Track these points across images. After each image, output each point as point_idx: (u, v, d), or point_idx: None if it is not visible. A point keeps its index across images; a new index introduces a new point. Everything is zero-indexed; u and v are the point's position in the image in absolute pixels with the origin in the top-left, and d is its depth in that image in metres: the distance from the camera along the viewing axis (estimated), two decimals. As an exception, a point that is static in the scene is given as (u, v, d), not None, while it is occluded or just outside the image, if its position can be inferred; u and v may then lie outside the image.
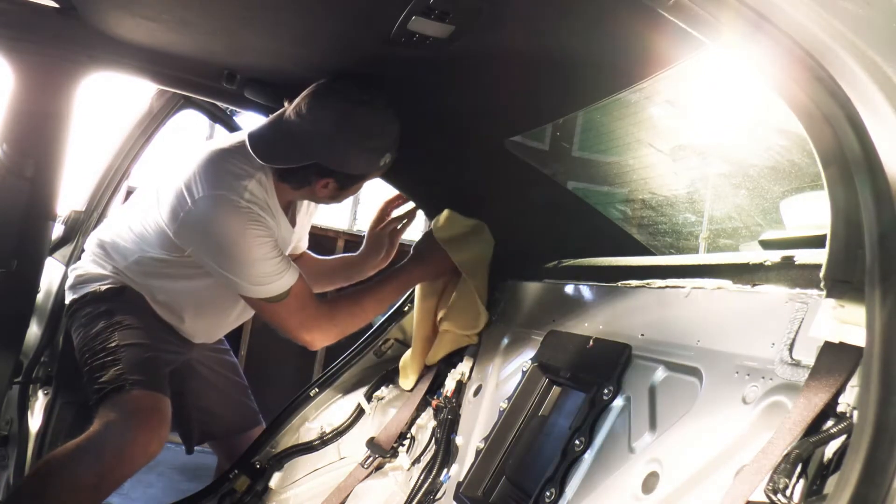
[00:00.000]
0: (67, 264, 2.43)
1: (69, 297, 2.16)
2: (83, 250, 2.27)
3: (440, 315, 2.19)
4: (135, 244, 2.07)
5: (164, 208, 1.95)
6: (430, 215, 2.50)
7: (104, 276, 2.12)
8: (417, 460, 2.02)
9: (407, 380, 2.25)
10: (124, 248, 2.10)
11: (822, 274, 0.95)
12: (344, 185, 1.97)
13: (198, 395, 2.38)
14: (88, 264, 2.18)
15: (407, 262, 2.19)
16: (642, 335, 1.46)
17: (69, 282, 2.20)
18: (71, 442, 1.89)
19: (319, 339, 2.04)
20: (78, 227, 2.56)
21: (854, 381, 0.95)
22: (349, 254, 2.54)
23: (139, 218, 2.07)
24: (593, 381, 1.49)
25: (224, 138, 2.11)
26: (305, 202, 2.21)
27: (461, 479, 1.72)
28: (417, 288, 2.26)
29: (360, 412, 2.35)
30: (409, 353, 2.28)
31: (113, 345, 1.99)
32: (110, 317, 2.05)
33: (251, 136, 1.89)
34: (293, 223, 2.14)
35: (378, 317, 2.44)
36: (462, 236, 2.19)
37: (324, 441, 2.32)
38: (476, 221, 2.22)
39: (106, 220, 2.42)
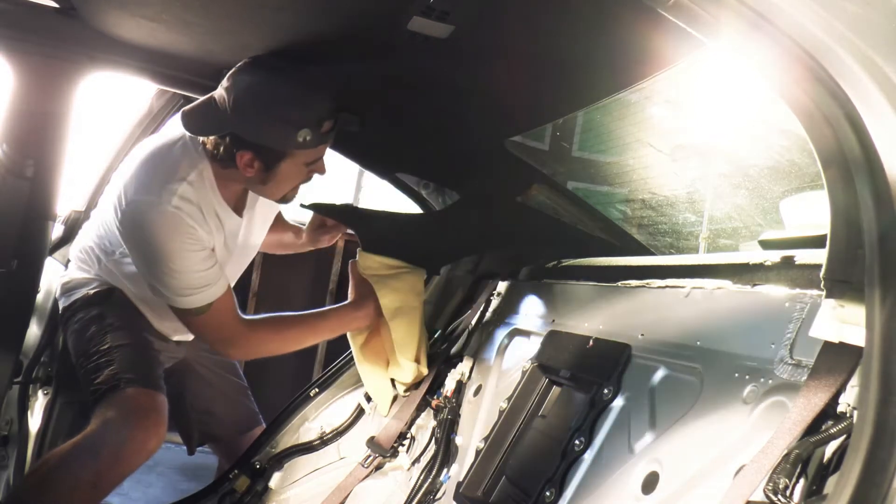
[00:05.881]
0: (67, 264, 2.43)
1: (61, 305, 2.17)
2: (69, 259, 2.27)
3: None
4: (102, 247, 2.08)
5: (110, 209, 1.95)
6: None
7: (91, 280, 2.13)
8: (417, 460, 2.02)
9: (384, 408, 2.22)
10: (97, 251, 2.10)
11: (822, 274, 0.95)
12: (267, 163, 1.86)
13: (196, 395, 2.38)
14: (75, 271, 2.18)
15: (344, 307, 2.17)
16: (642, 335, 1.46)
17: (59, 290, 2.20)
18: (69, 441, 1.89)
19: (234, 355, 2.07)
20: (78, 227, 2.56)
21: (854, 381, 0.95)
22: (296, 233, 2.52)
23: (102, 219, 2.07)
24: (593, 381, 1.49)
25: (169, 131, 2.07)
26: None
27: (461, 479, 1.72)
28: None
29: (360, 412, 2.35)
30: (373, 384, 2.23)
31: (106, 346, 2.00)
32: (101, 320, 2.05)
33: (183, 109, 1.86)
34: (240, 214, 2.07)
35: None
36: (391, 278, 2.15)
37: (324, 441, 2.32)
38: (407, 266, 2.18)
39: (85, 224, 2.41)
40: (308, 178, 1.99)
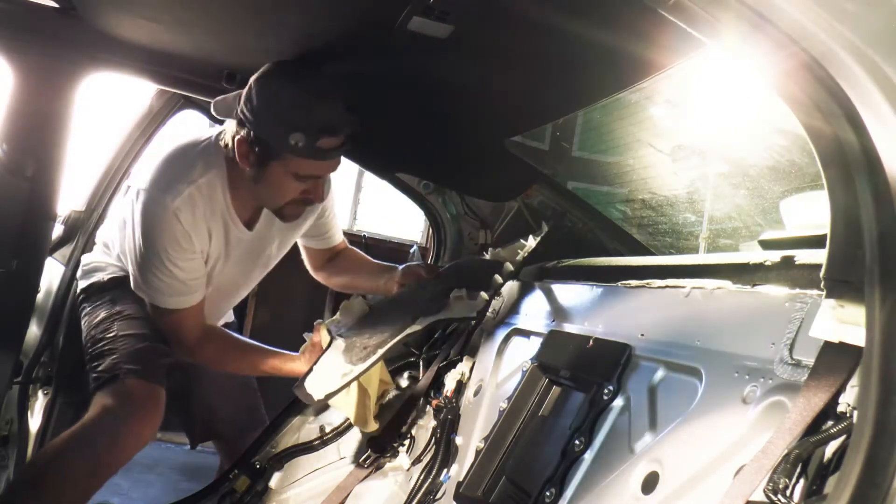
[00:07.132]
0: (67, 264, 2.44)
1: (78, 288, 2.22)
2: (95, 243, 2.33)
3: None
4: (122, 233, 2.10)
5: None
6: (429, 215, 2.52)
7: (109, 265, 2.17)
8: (417, 460, 2.02)
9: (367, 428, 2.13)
10: (118, 238, 2.12)
11: (822, 274, 0.95)
12: (260, 157, 1.90)
13: (203, 391, 2.39)
14: (98, 254, 2.24)
15: (292, 359, 2.13)
16: (642, 335, 1.46)
17: (79, 272, 2.25)
18: (66, 431, 1.90)
19: (181, 356, 2.11)
20: (78, 227, 2.57)
21: (854, 381, 0.94)
22: (386, 264, 2.44)
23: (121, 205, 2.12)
24: (593, 381, 1.49)
25: (200, 134, 2.10)
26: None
27: (461, 479, 1.72)
28: None
29: (360, 412, 2.35)
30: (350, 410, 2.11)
31: (111, 335, 2.02)
32: (112, 307, 2.08)
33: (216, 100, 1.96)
34: (251, 228, 2.10)
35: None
36: None
37: (324, 441, 2.32)
38: None
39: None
40: (303, 201, 2.00)
